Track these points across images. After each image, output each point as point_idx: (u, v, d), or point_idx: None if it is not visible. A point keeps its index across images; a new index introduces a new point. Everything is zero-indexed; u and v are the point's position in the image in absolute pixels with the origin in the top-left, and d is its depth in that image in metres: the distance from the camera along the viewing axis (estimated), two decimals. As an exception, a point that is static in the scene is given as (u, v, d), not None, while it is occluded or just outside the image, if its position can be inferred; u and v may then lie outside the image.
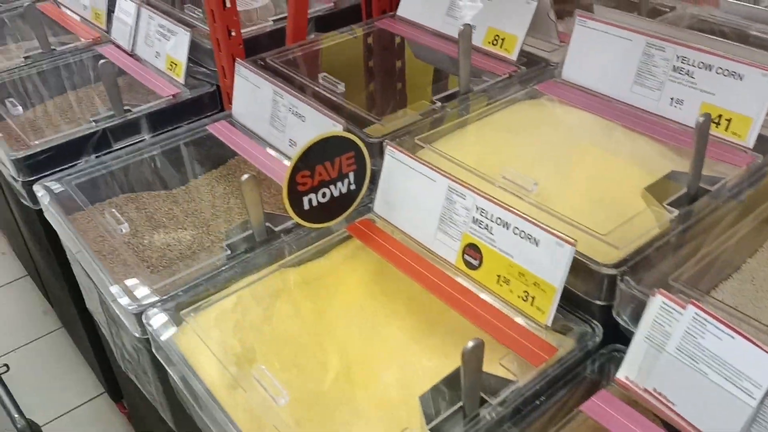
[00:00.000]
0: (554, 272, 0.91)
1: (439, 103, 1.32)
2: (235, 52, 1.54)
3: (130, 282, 1.12)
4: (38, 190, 1.35)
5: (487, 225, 1.00)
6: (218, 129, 1.50)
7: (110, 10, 1.94)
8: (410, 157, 1.12)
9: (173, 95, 1.62)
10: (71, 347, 2.29)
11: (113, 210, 1.33)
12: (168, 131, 1.61)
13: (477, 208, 1.01)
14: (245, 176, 1.10)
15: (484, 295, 1.00)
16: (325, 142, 1.09)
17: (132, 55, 1.82)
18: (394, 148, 1.14)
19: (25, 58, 1.87)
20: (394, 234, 1.14)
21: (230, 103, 1.62)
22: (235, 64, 1.46)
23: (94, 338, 1.80)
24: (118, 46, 1.86)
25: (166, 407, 1.26)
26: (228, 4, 1.49)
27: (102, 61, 1.50)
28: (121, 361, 1.46)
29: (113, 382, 1.93)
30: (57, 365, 2.27)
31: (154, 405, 1.33)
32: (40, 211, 1.50)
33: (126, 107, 1.58)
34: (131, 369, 1.39)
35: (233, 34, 1.53)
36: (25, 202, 1.52)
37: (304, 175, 1.09)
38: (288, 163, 1.11)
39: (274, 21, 1.81)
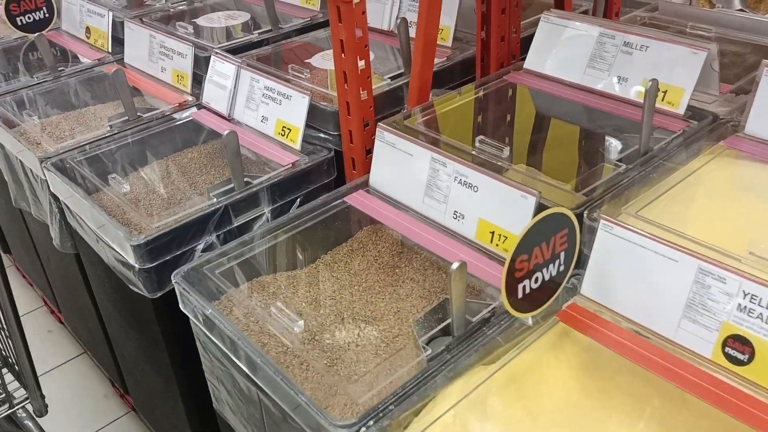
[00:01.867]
0: None
1: (623, 165, 1.20)
2: (366, 115, 1.42)
3: (333, 400, 0.96)
4: (177, 281, 1.19)
5: (760, 314, 0.86)
6: (357, 200, 1.36)
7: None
8: (631, 230, 0.99)
9: (292, 164, 1.48)
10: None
11: (267, 299, 1.18)
12: (287, 202, 1.48)
13: (744, 294, 0.88)
14: (455, 264, 0.96)
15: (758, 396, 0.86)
16: (542, 221, 0.96)
17: (230, 119, 1.68)
18: (610, 222, 1.01)
19: (110, 126, 1.73)
20: (619, 323, 1.00)
21: (354, 169, 1.49)
22: (377, 129, 1.33)
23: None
24: (211, 110, 1.73)
25: None
26: (363, 65, 1.37)
27: (227, 131, 1.36)
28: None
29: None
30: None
31: None
32: (156, 300, 1.35)
33: (245, 179, 1.44)
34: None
35: (365, 96, 1.40)
36: (136, 290, 1.36)
37: (522, 260, 0.95)
38: (445, 235, 0.97)
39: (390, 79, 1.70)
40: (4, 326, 1.47)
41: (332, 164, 1.53)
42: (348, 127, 1.44)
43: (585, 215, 1.07)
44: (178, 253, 1.33)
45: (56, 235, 1.68)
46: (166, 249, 1.31)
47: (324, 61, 1.77)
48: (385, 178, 1.34)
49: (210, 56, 1.78)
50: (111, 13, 2.10)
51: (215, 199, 1.39)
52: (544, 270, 0.99)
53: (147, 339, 1.56)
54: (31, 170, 1.69)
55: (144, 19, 2.13)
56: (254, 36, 1.95)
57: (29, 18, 2.29)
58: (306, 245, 1.35)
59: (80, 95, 2.01)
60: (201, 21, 2.07)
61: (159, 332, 1.44)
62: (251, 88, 1.62)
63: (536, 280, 0.99)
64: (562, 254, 1.01)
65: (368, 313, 1.21)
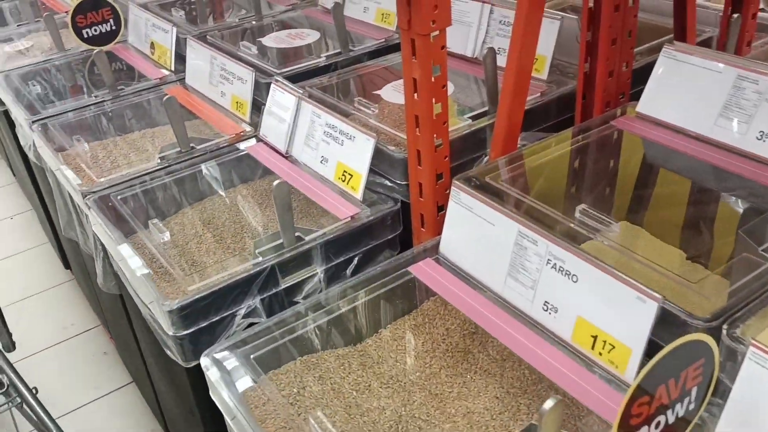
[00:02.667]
0: None
1: (772, 257, 0.93)
2: (439, 166, 1.20)
3: None
4: (207, 365, 1.01)
5: None
6: (424, 272, 1.14)
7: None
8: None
9: (351, 217, 1.28)
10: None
11: (312, 386, 0.99)
12: (343, 261, 1.28)
13: None
14: (549, 403, 0.72)
15: None
16: (672, 353, 0.71)
17: (287, 157, 1.50)
18: (761, 350, 0.75)
19: (161, 159, 1.58)
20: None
21: (422, 226, 1.27)
22: (453, 187, 1.11)
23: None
24: (268, 144, 1.56)
25: None
26: (439, 109, 1.15)
27: (277, 182, 1.17)
28: None
29: None
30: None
31: None
32: (189, 369, 1.18)
33: (297, 233, 1.25)
34: None
35: (440, 144, 1.19)
36: (172, 355, 1.20)
37: (642, 403, 0.71)
38: (532, 330, 0.74)
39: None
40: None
41: (398, 218, 1.32)
42: (418, 178, 1.22)
43: (724, 331, 0.81)
44: (217, 318, 1.16)
45: (100, 273, 1.56)
46: (204, 315, 1.14)
47: (395, 93, 1.56)
48: (459, 246, 1.12)
49: (269, 83, 1.61)
50: (175, 29, 1.98)
51: (261, 258, 1.21)
52: (669, 412, 0.74)
53: (183, 403, 1.41)
54: (77, 203, 1.57)
55: (208, 37, 1.99)
56: (321, 59, 1.76)
57: (95, 30, 2.21)
58: (362, 317, 1.15)
59: (137, 116, 1.89)
60: (267, 41, 1.91)
61: (194, 402, 1.28)
62: (311, 124, 1.43)
63: (657, 425, 0.74)
64: (694, 390, 0.76)
65: (431, 413, 1.00)
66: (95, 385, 2.28)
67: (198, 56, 1.83)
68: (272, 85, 1.54)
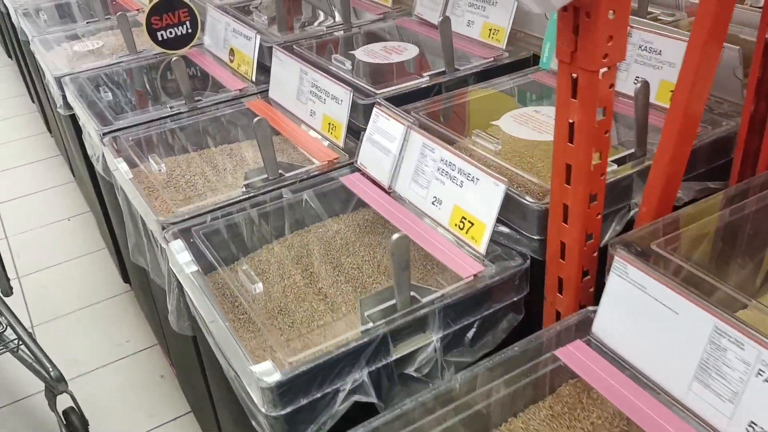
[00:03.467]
0: None
1: None
2: (591, 226, 1.00)
3: None
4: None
5: None
6: (574, 358, 0.95)
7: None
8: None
9: (474, 275, 1.09)
10: None
11: None
12: (461, 327, 1.09)
13: None
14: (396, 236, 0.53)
15: None
16: None
17: (389, 192, 1.32)
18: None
19: (246, 186, 1.41)
20: None
21: (559, 292, 1.07)
22: (616, 258, 0.91)
23: None
24: (366, 176, 1.38)
25: None
26: (598, 159, 0.95)
27: (397, 236, 0.99)
28: None
29: None
30: None
31: None
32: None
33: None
34: None
35: (594, 201, 0.98)
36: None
37: None
38: None
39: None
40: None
41: (526, 278, 1.12)
42: (561, 237, 1.02)
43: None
44: (319, 395, 0.98)
45: (173, 311, 1.40)
46: (304, 391, 0.96)
47: (518, 126, 1.36)
48: (622, 330, 0.92)
49: (371, 105, 1.43)
50: (258, 37, 1.81)
51: (371, 323, 1.02)
52: None
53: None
54: (151, 231, 1.42)
55: (295, 47, 1.82)
56: (423, 80, 1.57)
57: (170, 33, 2.07)
58: (495, 405, 0.96)
59: (214, 130, 1.74)
60: (360, 54, 1.73)
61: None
62: (423, 158, 1.25)
63: None
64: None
65: None
66: (150, 413, 2.14)
67: (285, 69, 1.67)
68: (375, 110, 1.35)
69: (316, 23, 2.13)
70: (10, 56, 4.95)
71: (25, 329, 1.86)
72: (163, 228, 1.28)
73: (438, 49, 1.78)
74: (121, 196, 1.64)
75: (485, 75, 1.59)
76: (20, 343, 1.84)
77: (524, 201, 1.09)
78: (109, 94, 1.90)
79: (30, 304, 2.72)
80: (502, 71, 1.61)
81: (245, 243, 1.34)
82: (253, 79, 1.84)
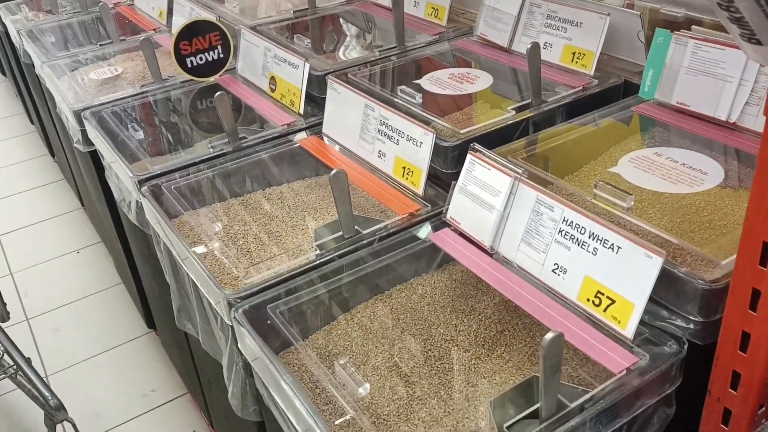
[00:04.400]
0: None
1: None
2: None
3: None
4: None
5: None
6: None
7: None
8: None
9: (627, 369, 0.91)
10: None
11: None
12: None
13: None
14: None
15: None
16: None
17: (491, 253, 1.13)
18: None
19: (319, 248, 1.22)
20: None
21: (727, 387, 0.89)
22: None
23: None
24: (460, 233, 1.18)
25: None
26: (807, 238, 0.77)
27: (551, 335, 0.80)
28: None
29: None
30: None
31: None
32: None
33: (556, 397, 0.88)
34: None
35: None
36: None
37: None
38: None
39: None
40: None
41: (681, 368, 0.94)
42: (745, 325, 0.84)
43: None
44: None
45: (236, 394, 1.20)
46: None
47: (643, 174, 1.15)
48: None
49: (454, 147, 1.24)
50: (307, 66, 1.62)
51: (516, 439, 0.84)
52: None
53: None
54: (208, 301, 1.22)
55: (350, 76, 1.62)
56: (508, 115, 1.38)
57: (201, 59, 1.87)
58: None
59: (266, 172, 1.54)
60: (427, 83, 1.54)
61: None
62: (537, 217, 1.06)
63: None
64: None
65: None
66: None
67: (344, 102, 1.47)
68: (470, 157, 1.16)
69: (351, 44, 1.94)
70: (4, 73, 4.72)
71: (22, 355, 1.84)
72: (232, 307, 1.09)
73: (508, 75, 1.59)
74: (163, 254, 1.44)
75: (574, 106, 1.41)
76: (17, 370, 1.83)
77: (686, 277, 0.91)
78: (139, 131, 1.70)
79: (42, 350, 2.51)
80: (592, 101, 1.42)
81: (322, 314, 1.15)
82: (301, 111, 1.65)
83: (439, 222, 1.24)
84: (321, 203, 1.43)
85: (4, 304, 1.78)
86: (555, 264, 1.03)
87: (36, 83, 2.76)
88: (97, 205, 2.37)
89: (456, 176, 1.28)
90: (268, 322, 1.06)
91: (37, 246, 3.10)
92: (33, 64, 2.44)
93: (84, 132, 1.84)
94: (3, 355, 1.86)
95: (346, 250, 1.19)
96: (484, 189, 1.14)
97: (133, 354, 2.44)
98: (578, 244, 0.99)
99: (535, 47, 1.33)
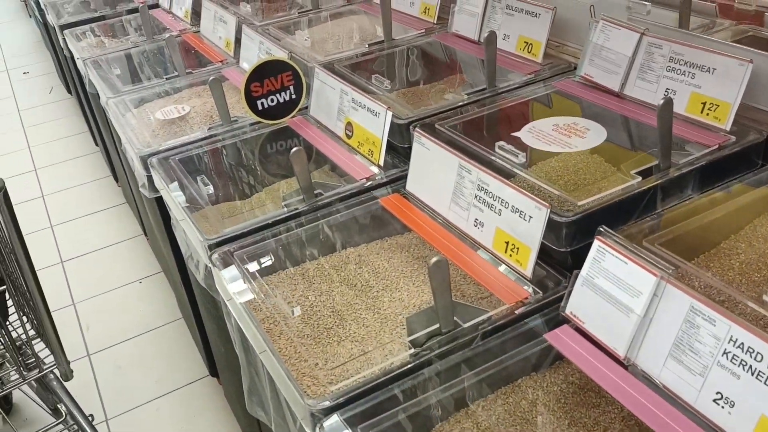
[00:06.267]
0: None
1: None
2: None
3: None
4: None
5: None
6: None
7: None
8: None
9: None
10: None
11: None
12: None
13: None
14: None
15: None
16: None
17: (625, 364, 0.94)
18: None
19: (414, 345, 1.05)
20: None
21: None
22: None
23: None
24: (583, 332, 0.99)
25: None
26: None
27: None
28: None
29: None
30: None
31: None
32: None
33: None
34: None
35: None
36: None
37: None
38: None
39: None
40: (31, 301, 1.59)
41: None
42: None
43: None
44: None
45: None
46: None
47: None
48: None
49: (570, 223, 1.06)
50: (390, 114, 1.45)
51: None
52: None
53: None
54: (285, 399, 1.07)
55: (438, 126, 1.45)
56: (633, 181, 1.18)
57: (272, 101, 1.74)
58: None
59: (342, 233, 1.39)
60: (526, 135, 1.35)
61: None
62: (692, 329, 0.86)
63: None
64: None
65: None
66: None
67: (433, 160, 1.30)
68: (598, 245, 0.97)
69: (434, 84, 1.76)
70: (69, 92, 4.76)
71: (85, 417, 1.79)
72: (315, 421, 0.93)
73: (621, 126, 1.39)
74: (233, 327, 1.30)
75: (708, 169, 1.20)
76: (78, 429, 1.79)
77: None
78: (209, 184, 1.57)
79: (103, 390, 2.43)
80: (728, 162, 1.21)
81: (415, 425, 0.99)
82: (381, 163, 1.49)
83: (554, 314, 1.06)
84: (405, 269, 1.28)
85: (68, 363, 1.69)
86: (718, 393, 0.83)
87: (99, 109, 2.70)
88: (163, 248, 2.27)
89: (571, 256, 1.10)
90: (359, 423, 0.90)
91: (100, 275, 3.05)
92: (96, 94, 2.37)
93: (150, 178, 1.73)
94: (66, 416, 1.77)
95: (445, 349, 1.02)
96: (619, 286, 0.94)
97: (194, 400, 2.33)
98: (752, 374, 0.79)
99: (668, 103, 1.13)
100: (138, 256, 3.13)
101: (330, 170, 1.66)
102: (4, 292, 1.69)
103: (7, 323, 1.73)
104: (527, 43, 1.70)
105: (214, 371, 2.26)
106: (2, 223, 1.48)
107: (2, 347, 1.76)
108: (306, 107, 1.79)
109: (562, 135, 1.34)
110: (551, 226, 1.10)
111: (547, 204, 1.06)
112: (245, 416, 1.92)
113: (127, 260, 3.11)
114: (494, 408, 1.00)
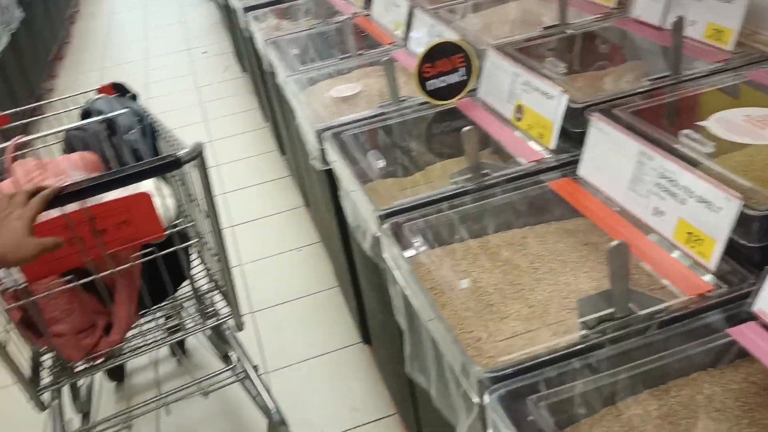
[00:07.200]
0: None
1: None
2: None
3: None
4: None
5: None
6: None
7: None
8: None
9: None
10: None
11: None
12: None
13: None
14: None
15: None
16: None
17: None
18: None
19: (584, 325, 1.06)
20: None
21: None
22: None
23: None
24: None
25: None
26: None
27: None
28: None
29: None
30: None
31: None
32: None
33: None
34: None
35: None
36: None
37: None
38: None
39: None
40: (217, 257, 1.72)
41: None
42: None
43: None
44: None
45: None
46: None
47: None
48: None
49: (761, 216, 1.00)
50: (565, 98, 1.44)
51: None
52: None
53: None
54: (449, 364, 1.12)
55: (615, 112, 1.41)
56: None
57: (442, 81, 1.78)
58: None
59: (508, 212, 1.41)
60: (715, 126, 1.28)
61: None
62: None
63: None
64: None
65: None
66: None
67: (611, 145, 1.28)
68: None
69: (611, 69, 1.71)
70: (245, 69, 5.14)
71: (252, 367, 1.98)
72: (482, 385, 0.97)
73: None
74: (397, 294, 1.37)
75: None
76: (246, 377, 1.97)
77: None
78: (380, 159, 1.65)
79: (264, 345, 2.65)
80: None
81: (584, 405, 0.99)
82: (553, 146, 1.48)
83: (735, 311, 1.01)
84: (571, 254, 1.27)
85: (240, 316, 1.87)
86: None
87: (273, 87, 2.91)
88: (327, 219, 2.42)
89: (760, 252, 1.04)
90: (530, 417, 0.92)
91: (263, 241, 3.29)
92: (272, 72, 2.56)
93: (323, 151, 1.85)
94: (236, 364, 1.95)
95: (619, 334, 1.01)
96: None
97: (345, 365, 2.46)
98: None
99: None
100: (299, 226, 3.34)
101: (492, 153, 1.68)
102: (188, 248, 1.89)
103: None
104: (716, 30, 1.60)
105: (366, 338, 2.38)
106: (199, 184, 1.65)
107: (185, 297, 1.96)
108: (474, 89, 1.82)
109: (755, 127, 1.26)
110: (740, 219, 1.04)
111: (740, 196, 1.01)
112: (397, 382, 2.01)
113: (289, 229, 3.34)
114: (666, 399, 0.98)
